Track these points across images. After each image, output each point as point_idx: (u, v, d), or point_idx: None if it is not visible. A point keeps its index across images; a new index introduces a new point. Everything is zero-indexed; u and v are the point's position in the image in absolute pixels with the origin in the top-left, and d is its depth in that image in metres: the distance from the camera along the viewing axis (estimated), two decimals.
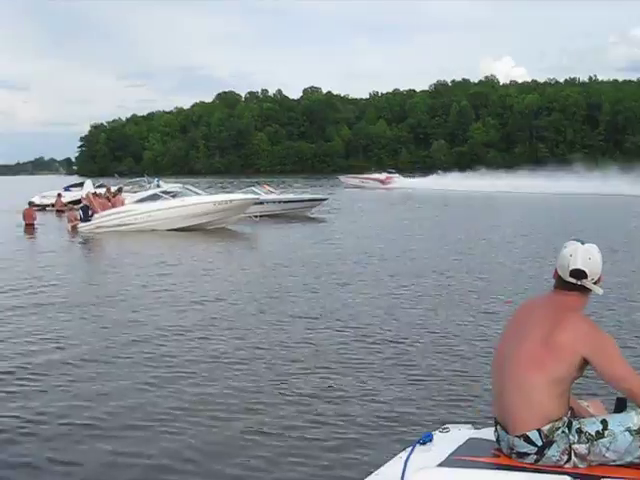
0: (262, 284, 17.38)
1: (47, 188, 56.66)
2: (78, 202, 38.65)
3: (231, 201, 32.59)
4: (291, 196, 41.89)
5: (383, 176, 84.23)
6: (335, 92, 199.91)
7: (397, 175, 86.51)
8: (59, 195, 47.73)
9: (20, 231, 32.85)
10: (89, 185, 37.25)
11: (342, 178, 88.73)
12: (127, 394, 9.06)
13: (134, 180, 53.91)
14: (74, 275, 20.15)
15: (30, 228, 34.14)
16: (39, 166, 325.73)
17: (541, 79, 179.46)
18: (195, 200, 32.87)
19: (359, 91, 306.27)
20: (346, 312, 13.67)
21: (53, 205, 48.16)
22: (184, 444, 7.44)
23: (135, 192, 42.88)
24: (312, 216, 39.68)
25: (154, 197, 33.83)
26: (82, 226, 32.33)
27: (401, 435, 7.36)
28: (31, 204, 37.03)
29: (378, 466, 3.84)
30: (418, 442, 4.05)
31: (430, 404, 8.51)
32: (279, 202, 39.77)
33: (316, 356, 10.60)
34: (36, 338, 11.94)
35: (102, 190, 38.56)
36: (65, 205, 45.57)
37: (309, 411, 8.32)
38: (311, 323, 12.82)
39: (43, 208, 47.24)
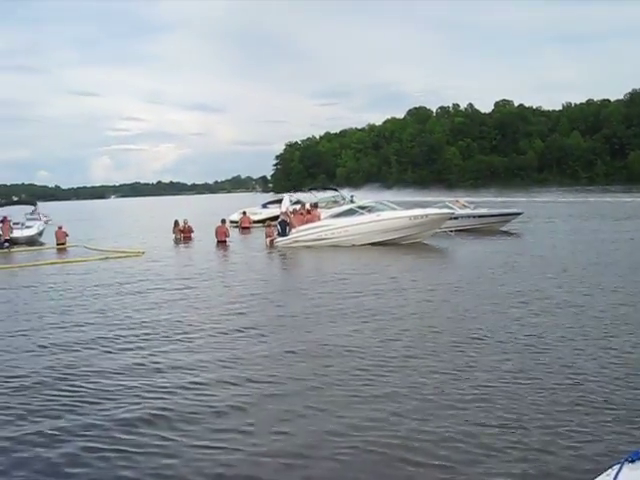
0: (452, 301, 17.11)
1: (245, 205, 58.88)
2: (275, 218, 39.89)
3: (427, 216, 32.49)
4: (485, 211, 41.19)
5: None
6: (527, 104, 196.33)
7: None
8: (244, 213, 49.73)
9: (213, 248, 34.54)
10: (287, 201, 38.15)
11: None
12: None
13: (329, 196, 54.80)
14: (273, 288, 20.81)
15: (223, 245, 35.62)
16: (236, 184, 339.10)
17: None
18: (391, 215, 32.78)
19: (551, 102, 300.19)
20: (524, 334, 13.07)
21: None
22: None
23: (329, 208, 43.59)
24: (506, 230, 38.96)
25: (350, 212, 34.22)
26: (280, 240, 33.27)
27: (596, 456, 7.30)
28: (223, 222, 38.48)
29: None
30: (626, 460, 3.96)
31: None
32: (473, 217, 39.30)
33: (489, 380, 10.30)
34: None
35: (298, 206, 39.53)
36: (251, 223, 48.48)
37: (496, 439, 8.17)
38: (487, 345, 12.43)
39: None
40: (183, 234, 40.10)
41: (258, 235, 41.33)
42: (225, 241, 36.57)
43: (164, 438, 8.46)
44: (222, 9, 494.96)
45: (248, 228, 47.53)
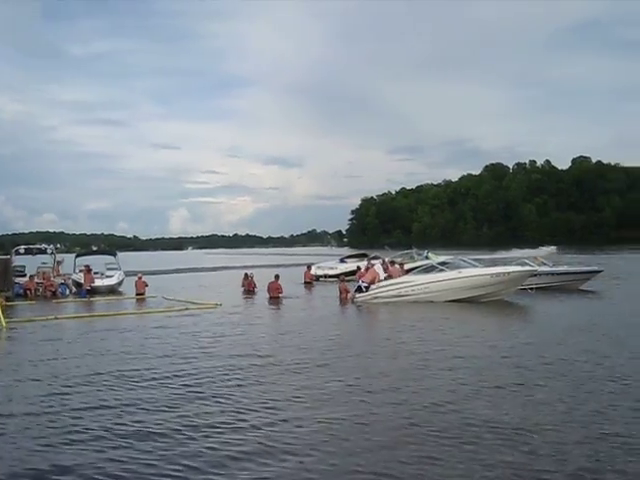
0: (530, 361, 16.30)
1: (322, 260, 59.55)
2: (352, 273, 40.41)
3: (509, 273, 32.09)
4: (565, 268, 40.88)
5: None
6: (605, 161, 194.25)
7: None
8: (309, 267, 50.94)
9: (265, 302, 34.97)
10: (379, 268, 37.07)
11: None
12: None
13: (404, 252, 54.88)
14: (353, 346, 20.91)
15: (275, 300, 35.51)
16: (312, 238, 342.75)
17: None
18: (472, 272, 32.48)
19: (631, 159, 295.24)
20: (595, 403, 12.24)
21: (325, 276, 50.83)
22: None
23: (404, 263, 43.77)
24: (584, 289, 38.46)
25: (430, 269, 34.09)
26: (359, 296, 33.31)
27: None
28: (277, 277, 37.95)
29: None
30: None
31: None
32: (553, 274, 38.87)
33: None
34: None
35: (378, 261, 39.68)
36: (314, 279, 49.70)
37: None
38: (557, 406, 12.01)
39: (317, 278, 49.97)
40: (249, 287, 41.30)
41: (322, 291, 41.93)
42: (278, 297, 36.11)
43: None
44: (299, 65, 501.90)
45: (310, 283, 47.93)
